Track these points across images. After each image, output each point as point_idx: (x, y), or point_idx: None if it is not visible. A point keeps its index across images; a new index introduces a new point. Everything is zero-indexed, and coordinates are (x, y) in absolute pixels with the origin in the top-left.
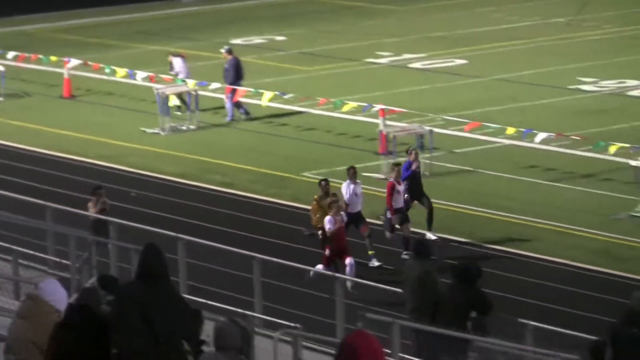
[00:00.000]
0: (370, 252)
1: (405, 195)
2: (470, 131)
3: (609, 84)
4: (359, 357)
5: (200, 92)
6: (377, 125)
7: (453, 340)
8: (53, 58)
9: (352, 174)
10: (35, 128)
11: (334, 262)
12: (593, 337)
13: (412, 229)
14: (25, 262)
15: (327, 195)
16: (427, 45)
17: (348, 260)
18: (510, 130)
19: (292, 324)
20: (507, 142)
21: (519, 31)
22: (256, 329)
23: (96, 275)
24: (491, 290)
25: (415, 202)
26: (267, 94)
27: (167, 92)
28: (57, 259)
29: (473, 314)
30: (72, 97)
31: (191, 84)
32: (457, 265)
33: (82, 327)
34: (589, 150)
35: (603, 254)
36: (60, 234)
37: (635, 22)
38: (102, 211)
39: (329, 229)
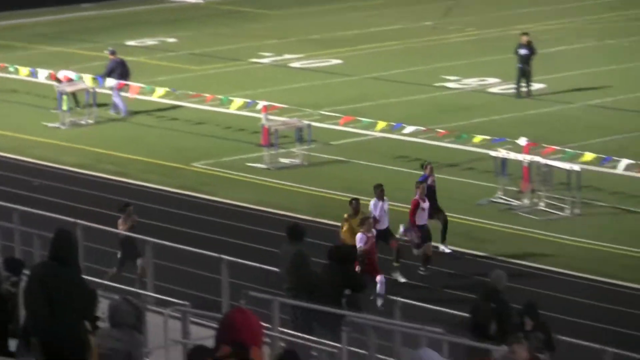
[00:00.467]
0: (395, 264)
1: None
2: (345, 125)
3: (471, 82)
4: (237, 330)
5: (98, 90)
6: (259, 119)
7: (328, 316)
8: None
9: (380, 192)
10: None
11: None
12: (455, 312)
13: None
14: None
15: (356, 214)
16: (306, 46)
17: (379, 278)
18: (381, 124)
19: (181, 302)
20: (378, 134)
21: (390, 34)
22: (148, 307)
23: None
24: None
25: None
26: (159, 90)
27: (68, 90)
28: None
29: (347, 292)
30: None
31: (89, 81)
32: (332, 247)
33: None
34: (453, 142)
35: (467, 236)
36: None
37: (495, 25)
38: (131, 228)
39: (360, 247)
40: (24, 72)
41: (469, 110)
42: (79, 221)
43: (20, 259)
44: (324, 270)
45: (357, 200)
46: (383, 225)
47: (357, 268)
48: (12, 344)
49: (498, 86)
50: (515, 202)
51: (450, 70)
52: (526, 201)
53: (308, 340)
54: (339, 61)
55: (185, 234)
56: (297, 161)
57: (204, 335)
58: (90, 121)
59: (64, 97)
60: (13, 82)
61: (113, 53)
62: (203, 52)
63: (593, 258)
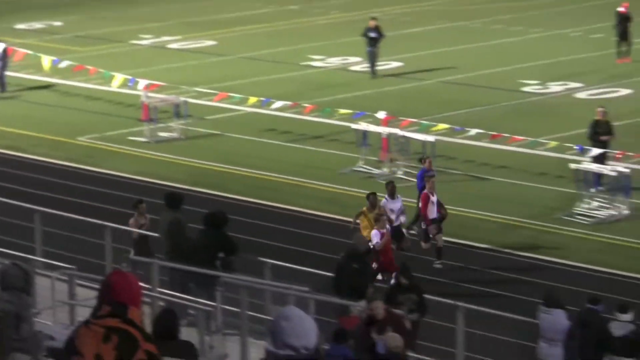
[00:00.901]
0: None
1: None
2: (219, 101)
3: (335, 61)
4: (117, 292)
5: None
6: (140, 96)
7: (203, 277)
8: None
9: (391, 190)
10: None
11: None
12: (322, 272)
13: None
14: None
15: (374, 208)
16: (182, 29)
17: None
18: (252, 100)
19: (67, 266)
20: (249, 109)
21: (260, 17)
22: (36, 270)
23: None
24: (237, 234)
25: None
26: (45, 61)
27: None
28: None
29: (221, 255)
30: None
31: None
32: (207, 213)
33: None
34: (318, 116)
35: (332, 202)
36: None
37: (357, 9)
38: (141, 227)
39: (377, 243)
40: None
41: (333, 87)
42: None
43: None
44: (200, 235)
45: (374, 194)
46: (395, 222)
47: (373, 265)
48: None
49: (359, 65)
50: (375, 171)
51: (315, 50)
52: (385, 170)
53: (185, 299)
54: (213, 42)
55: (72, 203)
56: (175, 135)
57: (89, 296)
58: None
59: None
60: None
61: None
62: (87, 35)
63: (449, 222)
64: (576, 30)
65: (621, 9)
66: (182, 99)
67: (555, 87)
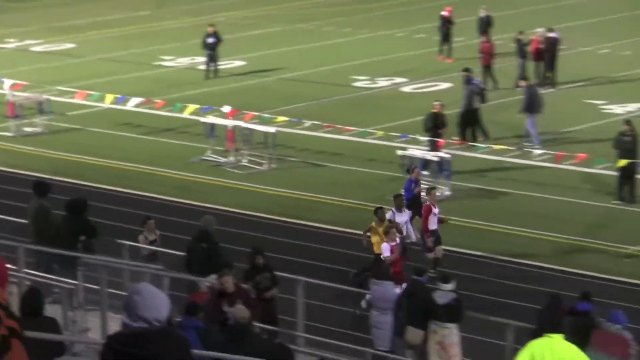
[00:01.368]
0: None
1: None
2: (79, 98)
3: (184, 61)
4: None
5: None
6: (6, 95)
7: (66, 258)
8: None
9: (399, 203)
10: None
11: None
12: (176, 252)
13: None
14: None
15: (382, 222)
16: (44, 33)
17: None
18: (109, 97)
19: None
20: (106, 106)
21: (115, 22)
22: None
23: None
24: (97, 219)
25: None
26: None
27: None
28: None
29: (82, 238)
30: None
31: None
32: (68, 200)
33: None
34: (169, 111)
35: (182, 188)
36: None
37: (203, 14)
38: (151, 243)
39: (387, 256)
40: None
41: (183, 84)
42: None
43: None
44: (63, 220)
45: (381, 208)
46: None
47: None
48: None
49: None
50: (222, 160)
51: (166, 51)
52: (231, 159)
53: (50, 279)
54: (72, 45)
55: None
56: (39, 129)
57: None
58: None
59: None
60: None
61: None
62: None
63: (289, 205)
64: (401, 31)
65: (445, 13)
66: (45, 96)
67: (383, 82)
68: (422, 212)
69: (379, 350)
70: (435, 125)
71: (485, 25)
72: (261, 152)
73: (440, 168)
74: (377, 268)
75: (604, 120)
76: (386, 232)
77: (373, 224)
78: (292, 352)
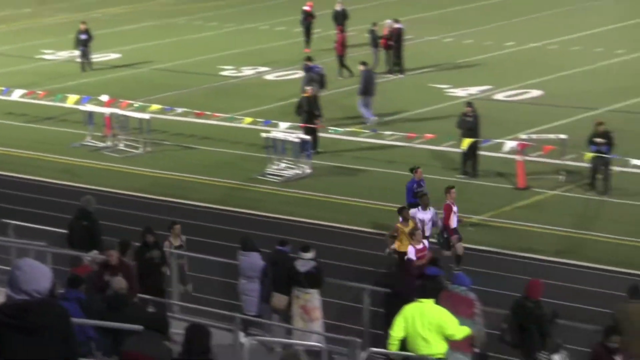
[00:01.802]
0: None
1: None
2: None
3: (64, 54)
4: None
5: None
6: None
7: None
8: None
9: (425, 201)
10: None
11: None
12: (59, 230)
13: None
14: None
15: (407, 221)
16: None
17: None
18: None
19: None
20: None
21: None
22: None
23: None
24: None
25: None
26: None
27: None
28: None
29: None
30: None
31: None
32: None
33: None
34: (50, 101)
35: (64, 171)
36: None
37: (80, 10)
38: (177, 248)
39: (414, 260)
40: None
41: (63, 76)
42: None
43: None
44: None
45: (404, 208)
46: (426, 233)
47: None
48: None
49: (96, 57)
50: (100, 144)
51: (46, 45)
52: (109, 143)
53: None
54: None
55: None
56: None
57: None
58: None
59: None
60: None
61: None
62: None
63: (165, 184)
64: (264, 24)
65: (306, 7)
66: None
67: (247, 71)
68: (444, 212)
69: (247, 315)
70: (307, 112)
71: (341, 18)
72: (137, 137)
73: (302, 149)
74: (245, 240)
75: (448, 102)
76: (411, 234)
77: (398, 224)
78: (168, 319)
